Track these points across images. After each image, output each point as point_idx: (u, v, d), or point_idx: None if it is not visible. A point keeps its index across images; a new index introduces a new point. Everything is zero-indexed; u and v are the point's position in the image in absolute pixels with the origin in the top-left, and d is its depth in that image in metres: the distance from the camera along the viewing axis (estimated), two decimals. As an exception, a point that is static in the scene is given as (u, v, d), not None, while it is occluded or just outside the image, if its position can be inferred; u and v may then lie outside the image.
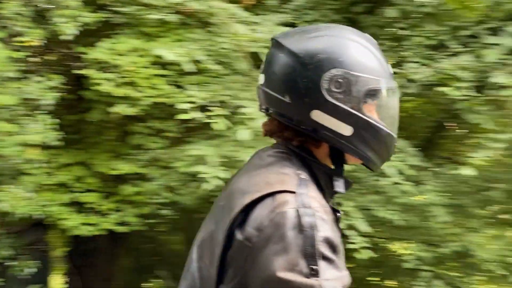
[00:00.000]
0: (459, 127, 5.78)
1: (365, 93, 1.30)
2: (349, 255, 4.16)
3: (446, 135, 6.05)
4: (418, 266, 4.97)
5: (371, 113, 1.32)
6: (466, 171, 4.39)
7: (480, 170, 4.58)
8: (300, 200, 1.19)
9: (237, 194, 1.27)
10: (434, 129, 6.03)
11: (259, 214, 1.19)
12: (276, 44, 1.35)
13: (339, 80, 1.28)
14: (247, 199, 1.22)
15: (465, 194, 4.70)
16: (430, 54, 4.81)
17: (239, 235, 1.20)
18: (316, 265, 1.13)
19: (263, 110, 1.37)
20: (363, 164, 1.38)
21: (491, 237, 4.75)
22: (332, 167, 1.36)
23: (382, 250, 5.64)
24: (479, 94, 4.54)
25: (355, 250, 4.36)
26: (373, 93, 1.32)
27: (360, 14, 5.34)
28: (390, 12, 5.02)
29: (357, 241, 4.34)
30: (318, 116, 1.28)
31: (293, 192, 1.20)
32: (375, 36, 1.51)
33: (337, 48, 1.31)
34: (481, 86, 4.56)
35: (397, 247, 5.70)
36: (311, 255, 1.13)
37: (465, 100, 4.47)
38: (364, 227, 4.33)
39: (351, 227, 4.30)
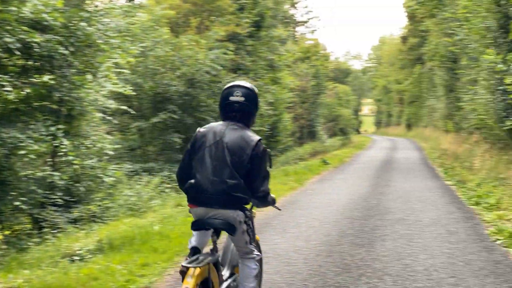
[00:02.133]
0: None
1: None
2: None
3: None
4: None
5: None
6: None
7: None
8: (261, 142, 4.18)
9: (243, 139, 4.08)
10: None
11: (258, 146, 4.08)
12: (247, 88, 4.27)
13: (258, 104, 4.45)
14: (255, 141, 4.09)
15: None
16: None
17: (254, 153, 4.05)
18: (270, 159, 4.43)
19: (238, 110, 4.25)
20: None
21: None
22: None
23: None
24: None
25: None
26: None
27: None
28: None
29: None
30: (254, 115, 4.38)
31: (261, 139, 4.17)
32: None
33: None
34: None
35: None
36: (270, 156, 4.40)
37: None
38: None
39: None
